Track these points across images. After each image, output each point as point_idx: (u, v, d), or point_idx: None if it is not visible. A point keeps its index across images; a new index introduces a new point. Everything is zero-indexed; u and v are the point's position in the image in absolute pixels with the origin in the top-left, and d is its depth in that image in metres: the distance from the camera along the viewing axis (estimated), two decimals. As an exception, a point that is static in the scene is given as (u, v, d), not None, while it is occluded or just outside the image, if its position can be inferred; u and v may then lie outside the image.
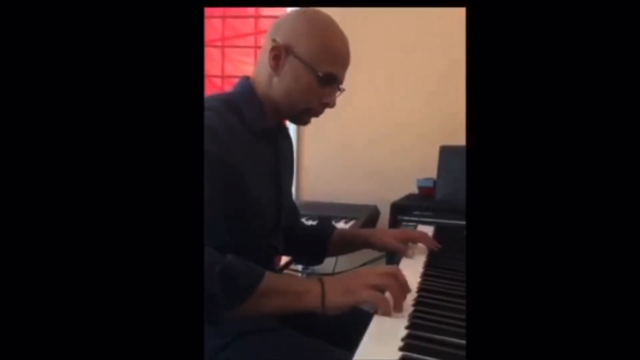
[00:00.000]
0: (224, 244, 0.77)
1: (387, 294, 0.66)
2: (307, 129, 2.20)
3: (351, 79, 2.20)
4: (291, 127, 2.21)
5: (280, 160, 0.92)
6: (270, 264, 0.97)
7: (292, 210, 1.08)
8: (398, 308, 0.65)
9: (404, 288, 0.68)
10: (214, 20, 2.28)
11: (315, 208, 1.91)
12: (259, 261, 0.75)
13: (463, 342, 0.56)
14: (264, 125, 0.86)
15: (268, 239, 0.90)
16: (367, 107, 2.10)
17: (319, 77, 0.82)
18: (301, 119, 0.88)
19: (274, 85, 0.84)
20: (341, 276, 0.71)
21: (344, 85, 0.89)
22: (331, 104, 0.87)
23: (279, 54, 0.82)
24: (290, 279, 0.75)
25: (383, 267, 0.72)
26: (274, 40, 0.82)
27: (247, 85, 0.87)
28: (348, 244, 1.09)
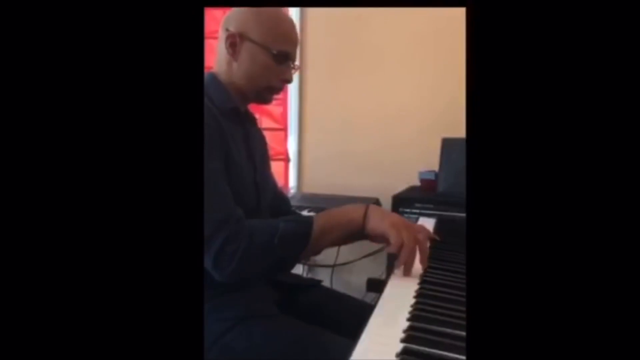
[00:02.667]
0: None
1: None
2: (309, 122, 2.19)
3: (353, 71, 2.20)
4: (293, 121, 2.21)
5: (250, 143, 0.97)
6: None
7: (276, 195, 1.11)
8: (408, 271, 0.78)
9: (422, 254, 0.80)
10: (215, 11, 2.27)
11: (317, 200, 1.91)
12: None
13: (464, 333, 0.56)
14: (232, 105, 0.92)
15: (253, 217, 0.92)
16: (369, 100, 2.09)
17: (274, 55, 0.90)
18: (264, 98, 0.96)
19: (234, 70, 0.92)
20: (383, 209, 0.87)
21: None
22: (289, 80, 0.95)
23: (234, 41, 0.90)
24: (335, 214, 0.85)
25: (418, 226, 0.88)
26: (227, 30, 0.91)
27: (210, 76, 0.94)
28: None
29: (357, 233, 0.83)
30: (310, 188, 2.24)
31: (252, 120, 1.04)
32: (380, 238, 0.83)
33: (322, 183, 2.20)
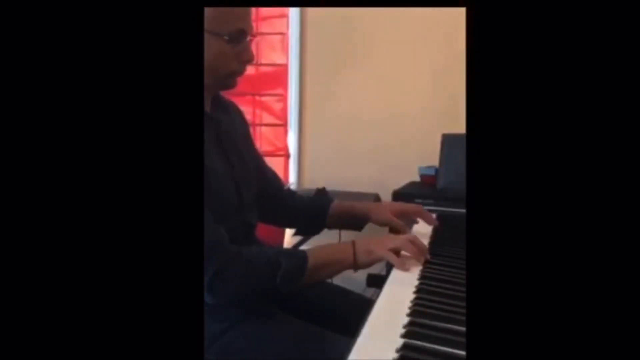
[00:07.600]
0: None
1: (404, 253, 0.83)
2: (309, 117, 2.19)
3: (354, 67, 2.19)
4: (293, 116, 2.21)
5: (223, 136, 0.89)
6: (247, 241, 0.93)
7: (264, 180, 1.04)
8: (415, 263, 0.81)
9: (420, 249, 0.83)
10: (215, 7, 2.26)
11: (317, 196, 1.91)
12: (234, 241, 0.77)
13: (464, 329, 0.56)
14: None
15: (236, 217, 0.88)
16: (369, 95, 2.09)
17: (226, 39, 0.79)
18: (227, 85, 0.87)
19: None
20: (368, 240, 0.85)
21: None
22: (250, 60, 0.84)
23: None
24: (328, 251, 0.85)
25: (403, 235, 0.92)
26: None
27: None
28: (347, 218, 1.10)
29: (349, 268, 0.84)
30: (310, 184, 2.24)
31: (225, 108, 0.94)
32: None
33: (322, 178, 2.19)
